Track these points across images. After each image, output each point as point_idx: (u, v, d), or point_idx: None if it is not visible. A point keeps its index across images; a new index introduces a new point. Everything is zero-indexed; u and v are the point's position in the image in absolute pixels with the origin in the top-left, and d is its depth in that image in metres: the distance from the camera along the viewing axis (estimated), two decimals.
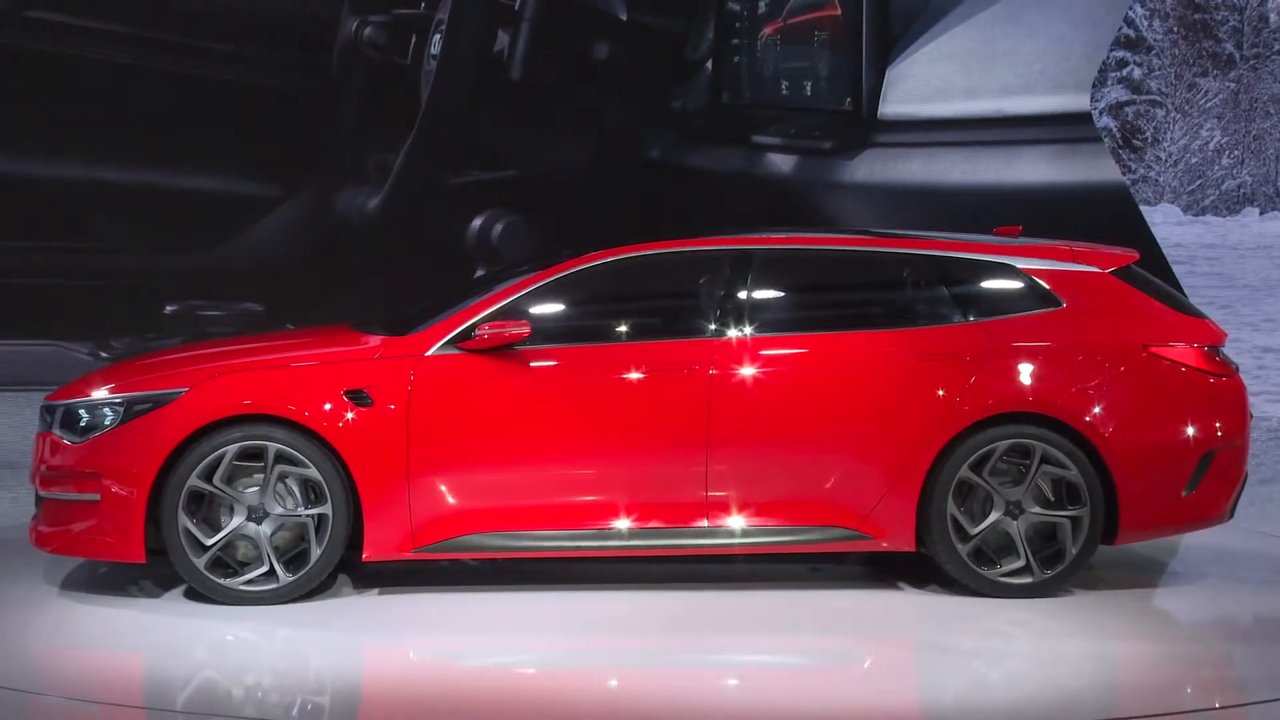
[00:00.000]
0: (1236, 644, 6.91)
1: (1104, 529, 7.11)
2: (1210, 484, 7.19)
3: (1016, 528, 7.06)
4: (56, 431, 7.03)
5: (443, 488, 6.94)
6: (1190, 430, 7.15)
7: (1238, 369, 7.41)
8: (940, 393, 7.03)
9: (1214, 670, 6.45)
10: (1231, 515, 7.39)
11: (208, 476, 6.85)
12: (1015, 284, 7.29)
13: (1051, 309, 7.23)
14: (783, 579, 7.48)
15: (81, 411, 6.98)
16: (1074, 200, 14.35)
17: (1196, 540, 8.12)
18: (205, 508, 6.91)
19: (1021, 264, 7.31)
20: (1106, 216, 14.32)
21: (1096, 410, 7.04)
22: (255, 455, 6.91)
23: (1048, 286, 7.26)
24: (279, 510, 6.92)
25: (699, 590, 7.27)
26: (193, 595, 7.02)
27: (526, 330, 6.97)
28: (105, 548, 6.91)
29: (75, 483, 6.95)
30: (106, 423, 6.93)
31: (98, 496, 6.87)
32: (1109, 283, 7.31)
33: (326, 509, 6.88)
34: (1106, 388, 7.08)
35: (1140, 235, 14.15)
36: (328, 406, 6.88)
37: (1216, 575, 7.77)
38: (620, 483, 6.99)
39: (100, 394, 7.01)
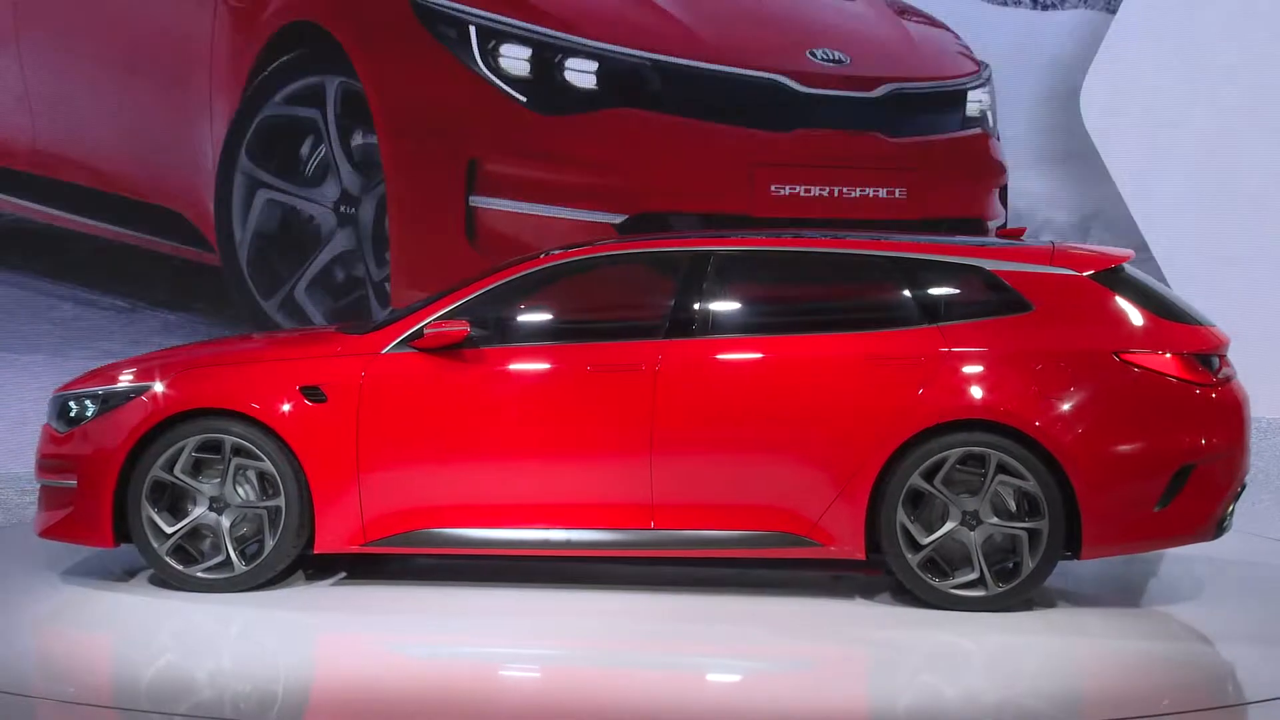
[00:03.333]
0: (1209, 649, 6.71)
1: (1069, 543, 6.88)
2: (1187, 499, 6.86)
3: (973, 539, 6.90)
4: (52, 422, 7.39)
5: (392, 483, 7.06)
6: (1163, 442, 6.85)
7: (1230, 378, 7.08)
8: (889, 398, 6.91)
9: (1183, 678, 6.27)
10: (1217, 533, 7.03)
11: (169, 467, 7.10)
12: (982, 287, 7.11)
13: (1019, 313, 7.01)
14: (730, 582, 7.45)
15: (71, 403, 7.34)
16: None
17: None
18: (169, 497, 7.16)
19: (991, 266, 7.10)
20: None
21: (1056, 418, 6.79)
22: (220, 448, 7.13)
23: (1017, 289, 7.03)
24: (238, 502, 7.13)
25: (655, 592, 7.28)
26: (159, 580, 7.27)
27: (465, 330, 7.05)
28: (79, 532, 7.23)
29: (59, 470, 7.30)
30: (89, 414, 7.27)
31: (74, 483, 7.21)
32: (1084, 286, 7.03)
33: (280, 501, 7.07)
34: (1069, 395, 6.84)
35: None
36: (283, 402, 7.07)
37: (1191, 578, 7.61)
38: (565, 483, 7.05)
39: (90, 386, 7.36)
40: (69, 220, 10.87)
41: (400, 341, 7.16)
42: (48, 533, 7.33)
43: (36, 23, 10.84)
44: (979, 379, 6.90)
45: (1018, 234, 7.87)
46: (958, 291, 7.16)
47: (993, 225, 10.83)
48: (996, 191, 11.06)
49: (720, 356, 7.07)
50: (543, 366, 7.14)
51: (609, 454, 7.02)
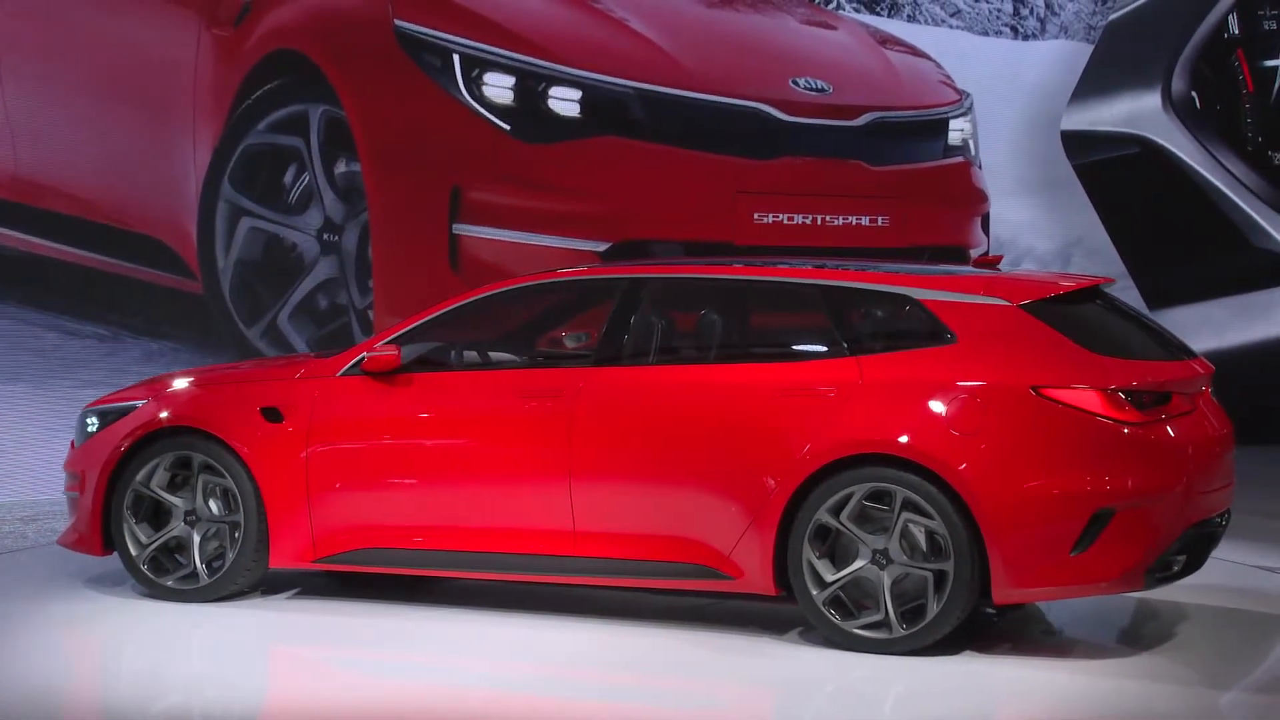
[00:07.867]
0: (1132, 683, 6.35)
1: (985, 586, 6.50)
2: (1109, 545, 6.39)
3: (883, 578, 6.53)
4: (75, 436, 7.73)
5: (337, 501, 7.20)
6: (1079, 483, 6.40)
7: (1182, 415, 6.64)
8: (798, 431, 6.64)
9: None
10: (1150, 582, 6.56)
11: (148, 482, 7.36)
12: (908, 316, 6.89)
13: (941, 344, 6.72)
14: (637, 611, 7.27)
15: (86, 419, 7.69)
16: None
17: None
18: (154, 511, 7.39)
19: (920, 295, 6.82)
20: None
21: (962, 454, 6.44)
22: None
23: (942, 320, 6.73)
24: (208, 516, 7.34)
25: (564, 616, 7.20)
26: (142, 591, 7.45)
27: (395, 355, 7.14)
28: (78, 541, 7.56)
29: (70, 483, 7.65)
30: (95, 430, 7.60)
31: (77, 495, 7.56)
32: (1012, 317, 6.67)
33: (239, 517, 7.24)
34: (980, 431, 6.46)
35: None
36: (244, 421, 7.28)
37: (1133, 613, 7.32)
38: (492, 507, 7.08)
39: (104, 404, 7.72)
40: (51, 248, 10.93)
41: (352, 365, 7.29)
42: (61, 541, 7.69)
43: (18, 50, 10.93)
44: (889, 412, 6.61)
45: (994, 261, 7.73)
46: (881, 321, 7.02)
47: (975, 253, 10.84)
48: (978, 219, 11.09)
49: (637, 385, 6.99)
50: (471, 392, 7.22)
51: (532, 479, 7.01)
